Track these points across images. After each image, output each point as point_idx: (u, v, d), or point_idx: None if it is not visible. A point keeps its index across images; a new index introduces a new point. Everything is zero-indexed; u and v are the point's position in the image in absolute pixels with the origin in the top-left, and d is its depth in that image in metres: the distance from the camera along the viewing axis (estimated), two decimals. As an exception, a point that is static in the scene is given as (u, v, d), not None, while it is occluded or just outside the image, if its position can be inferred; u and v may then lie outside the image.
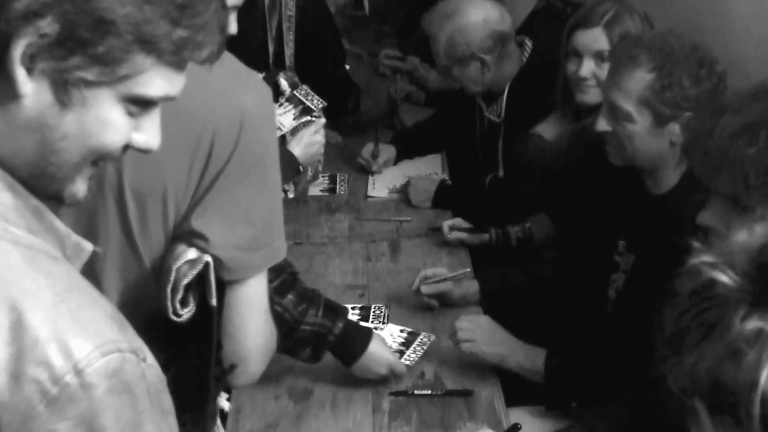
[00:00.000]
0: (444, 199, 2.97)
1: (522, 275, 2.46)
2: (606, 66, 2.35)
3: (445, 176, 3.13)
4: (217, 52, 1.03)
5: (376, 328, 2.25)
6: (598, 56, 2.43)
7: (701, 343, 0.82)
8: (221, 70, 1.11)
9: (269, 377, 2.11)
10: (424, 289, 2.37)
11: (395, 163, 3.25)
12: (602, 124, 2.06)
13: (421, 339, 2.25)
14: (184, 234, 1.29)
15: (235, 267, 1.31)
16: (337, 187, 3.14)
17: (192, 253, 1.28)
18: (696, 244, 0.88)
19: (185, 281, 1.27)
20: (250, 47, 2.77)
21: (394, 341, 2.24)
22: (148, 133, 1.04)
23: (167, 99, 1.03)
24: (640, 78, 1.95)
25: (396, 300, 2.47)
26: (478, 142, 3.07)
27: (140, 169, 1.24)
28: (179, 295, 1.27)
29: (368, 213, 2.97)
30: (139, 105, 1.01)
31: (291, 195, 2.62)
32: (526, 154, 2.62)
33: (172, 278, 1.27)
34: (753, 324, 0.78)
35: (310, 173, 2.84)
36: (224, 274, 1.31)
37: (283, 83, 2.57)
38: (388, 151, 3.24)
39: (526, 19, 3.27)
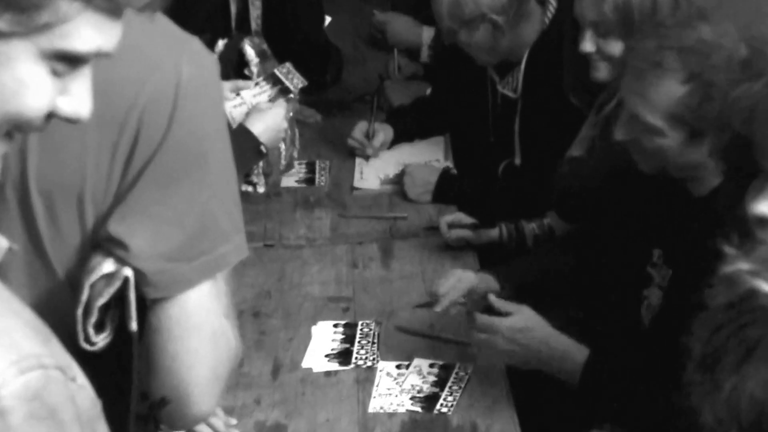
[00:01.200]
0: (447, 191, 2.96)
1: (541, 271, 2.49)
2: (610, 40, 2.36)
3: (449, 164, 3.13)
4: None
5: (369, 366, 2.27)
6: (596, 27, 2.40)
7: (742, 365, 0.83)
8: (151, 35, 1.12)
9: (230, 412, 2.11)
10: (453, 234, 2.68)
11: (390, 146, 3.23)
12: (621, 133, 2.04)
13: (457, 374, 2.21)
14: (102, 241, 1.27)
15: (161, 282, 1.28)
16: (317, 176, 3.11)
17: (108, 266, 1.25)
18: (730, 249, 0.89)
19: (100, 301, 1.24)
20: (207, 7, 2.74)
21: (424, 381, 2.20)
22: (76, 98, 1.02)
23: (100, 55, 1.01)
24: (670, 90, 1.92)
25: (388, 315, 2.45)
26: (490, 122, 3.05)
27: (49, 160, 1.22)
28: (93, 318, 1.25)
29: (355, 209, 2.96)
30: (66, 62, 1.00)
31: (261, 189, 2.58)
32: (568, 184, 2.57)
33: (84, 297, 1.25)
34: None
35: (283, 161, 2.80)
36: (148, 291, 1.28)
37: (249, 51, 2.54)
38: (384, 132, 3.22)
39: None
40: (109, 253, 1.26)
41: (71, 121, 1.04)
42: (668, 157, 1.98)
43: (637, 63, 1.99)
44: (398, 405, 2.12)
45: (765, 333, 0.82)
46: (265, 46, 2.65)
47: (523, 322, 2.15)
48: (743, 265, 0.86)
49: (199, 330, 1.33)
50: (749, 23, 2.06)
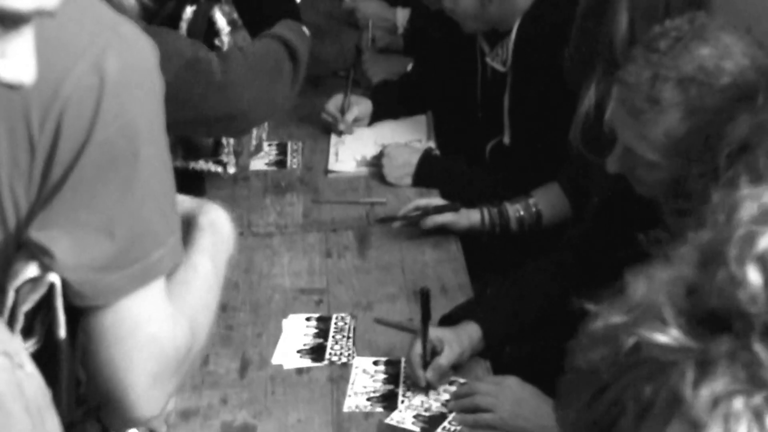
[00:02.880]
0: (429, 174, 2.97)
1: (533, 300, 2.40)
2: None
3: (431, 144, 3.14)
4: None
5: (344, 362, 2.28)
6: None
7: (640, 424, 0.81)
8: (74, 18, 1.09)
9: (195, 412, 2.13)
10: (428, 222, 2.66)
11: (370, 123, 3.25)
12: (615, 166, 2.01)
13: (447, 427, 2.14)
14: (25, 244, 1.25)
15: (88, 292, 1.27)
16: (288, 159, 3.13)
17: (33, 270, 1.24)
18: (591, 306, 0.88)
19: (25, 307, 1.24)
20: None
21: (436, 399, 2.18)
22: (16, 62, 0.99)
23: (42, 14, 0.98)
24: (672, 128, 1.87)
25: (364, 308, 2.47)
26: (478, 97, 3.06)
27: None
28: (19, 324, 1.24)
29: (329, 193, 2.97)
30: (3, 23, 0.96)
31: (231, 169, 2.59)
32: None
33: (9, 302, 1.23)
34: (708, 390, 0.78)
35: (253, 140, 2.81)
36: (77, 301, 1.27)
37: (220, 20, 2.53)
38: (362, 106, 3.24)
39: None
40: (33, 257, 1.24)
41: (12, 87, 1.01)
42: (667, 185, 1.94)
43: (631, 99, 1.91)
44: (398, 422, 2.11)
45: (659, 386, 0.80)
46: (235, 15, 2.64)
47: (509, 403, 2.11)
48: (615, 319, 0.85)
49: (134, 335, 1.32)
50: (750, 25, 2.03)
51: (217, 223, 1.59)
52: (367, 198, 2.94)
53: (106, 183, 1.24)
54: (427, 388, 2.18)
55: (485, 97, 3.03)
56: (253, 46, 2.27)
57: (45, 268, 1.24)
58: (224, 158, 2.65)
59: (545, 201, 2.73)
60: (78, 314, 1.29)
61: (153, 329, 1.34)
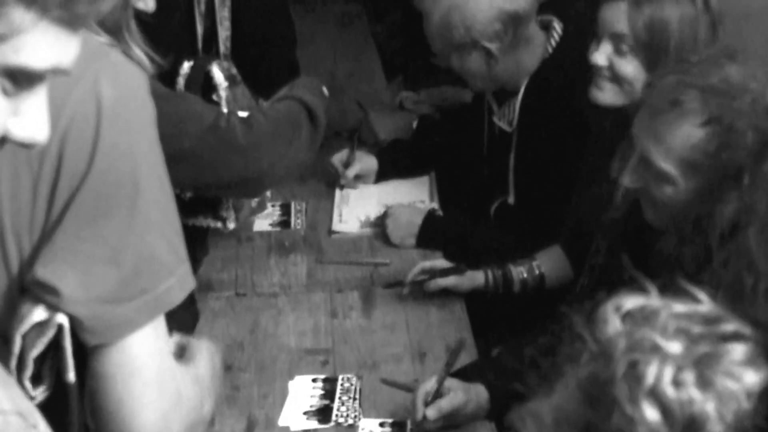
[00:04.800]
0: (433, 235, 2.98)
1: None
2: (628, 60, 2.36)
3: (435, 205, 3.15)
4: (120, 7, 1.00)
5: (350, 424, 2.29)
6: (617, 41, 2.39)
7: None
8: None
9: None
10: (431, 286, 2.64)
11: (376, 181, 3.28)
12: (630, 180, 2.03)
13: None
14: (30, 286, 1.23)
15: (99, 327, 1.26)
16: (292, 219, 3.14)
17: (40, 314, 1.22)
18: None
19: (34, 352, 1.22)
20: (171, 26, 2.75)
21: None
22: (30, 120, 1.00)
23: (57, 72, 0.99)
24: (688, 133, 1.89)
25: (370, 368, 2.48)
26: (484, 156, 3.09)
27: None
28: (29, 371, 1.23)
29: (333, 254, 2.98)
30: (18, 80, 0.97)
31: (231, 224, 2.61)
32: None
33: (16, 349, 1.22)
34: None
35: (254, 201, 2.83)
36: (87, 338, 1.26)
37: (218, 75, 2.56)
38: (366, 162, 3.26)
39: None
40: (38, 299, 1.22)
41: (25, 146, 1.02)
42: (678, 208, 1.96)
43: (654, 100, 1.96)
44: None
45: None
46: (234, 71, 2.64)
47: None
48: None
49: (146, 373, 1.31)
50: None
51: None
52: (371, 259, 2.95)
53: (108, 212, 1.23)
54: (418, 426, 2.20)
55: (491, 156, 3.05)
56: (274, 110, 2.30)
57: (52, 309, 1.22)
58: (224, 213, 2.63)
59: (548, 264, 2.73)
60: (85, 358, 1.28)
61: (161, 366, 1.33)
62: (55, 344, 1.24)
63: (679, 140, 1.90)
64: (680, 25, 2.32)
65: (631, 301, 1.02)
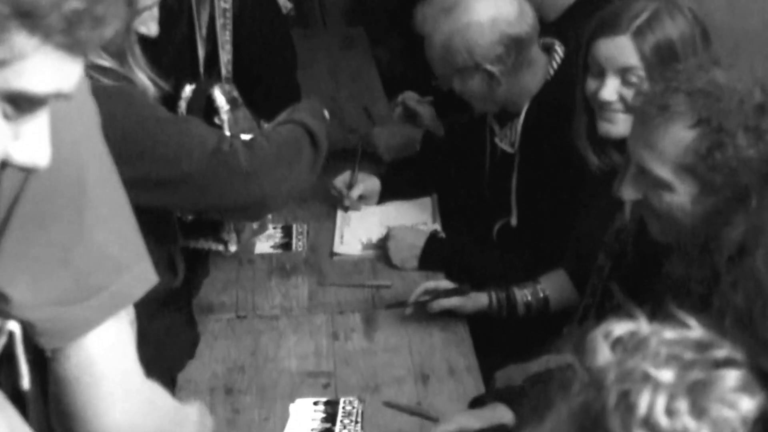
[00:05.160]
0: (435, 256, 2.98)
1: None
2: (636, 87, 2.36)
3: (437, 227, 3.15)
4: (122, 32, 1.01)
5: None
6: (625, 74, 2.40)
7: None
8: None
9: None
10: (435, 306, 2.64)
11: (379, 202, 3.28)
12: (629, 192, 2.03)
13: None
14: None
15: (54, 330, 1.26)
16: (293, 241, 3.15)
17: None
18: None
19: None
20: (173, 49, 2.76)
21: None
22: (32, 145, 1.01)
23: (59, 96, 1.00)
24: (678, 136, 1.90)
25: (372, 391, 2.47)
26: (485, 178, 3.09)
27: None
28: None
29: (334, 276, 2.98)
30: (19, 104, 0.98)
31: (233, 247, 2.60)
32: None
33: None
34: None
35: (255, 223, 2.83)
36: (43, 342, 1.26)
37: (220, 98, 2.57)
38: (369, 184, 3.27)
39: (565, 11, 3.28)
40: None
41: (27, 171, 1.04)
42: (679, 219, 1.95)
43: (644, 107, 1.99)
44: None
45: None
46: (235, 93, 2.66)
47: None
48: None
49: (106, 373, 1.31)
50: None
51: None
52: (373, 281, 2.94)
53: (55, 214, 1.23)
54: None
55: (493, 178, 3.05)
56: (276, 133, 2.30)
57: (3, 317, 1.22)
58: (225, 236, 2.64)
59: (553, 287, 2.72)
60: (46, 364, 1.27)
61: (128, 365, 1.33)
62: (8, 352, 1.24)
63: (670, 144, 1.91)
64: (682, 40, 2.35)
65: (620, 328, 1.01)
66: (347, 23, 4.93)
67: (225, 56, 2.94)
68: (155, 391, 1.39)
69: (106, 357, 1.31)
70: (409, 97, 3.69)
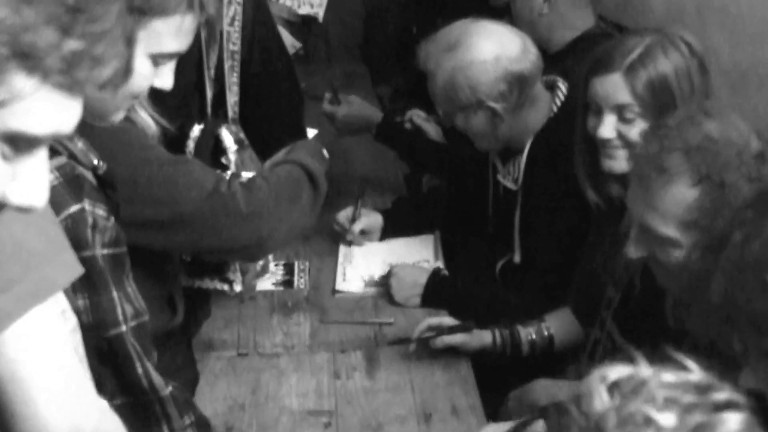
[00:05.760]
0: (437, 294, 2.97)
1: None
2: (637, 125, 2.37)
3: (440, 264, 3.14)
4: (122, 72, 0.99)
5: None
6: (621, 111, 2.40)
7: None
8: None
9: None
10: (438, 343, 2.63)
11: (382, 238, 3.29)
12: (635, 250, 2.03)
13: None
14: None
15: None
16: (295, 279, 3.14)
17: None
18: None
19: None
20: (181, 88, 2.77)
21: None
22: (29, 185, 1.00)
23: (57, 137, 1.00)
24: (680, 196, 1.90)
25: (374, 430, 2.46)
26: (489, 214, 3.09)
27: None
28: None
29: (336, 314, 2.97)
30: (18, 145, 0.98)
31: (237, 287, 2.60)
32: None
33: None
34: None
35: (258, 264, 2.83)
36: None
37: (227, 138, 2.58)
38: (371, 219, 3.28)
39: (566, 48, 3.29)
40: None
41: (23, 211, 1.03)
42: (691, 270, 1.91)
43: (642, 170, 1.97)
44: None
45: None
46: (242, 135, 2.68)
47: None
48: None
49: (45, 364, 1.30)
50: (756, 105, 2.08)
51: None
52: (375, 318, 2.94)
53: None
54: None
55: (496, 215, 3.06)
56: (275, 174, 2.30)
57: None
58: (230, 276, 2.66)
59: (558, 325, 2.71)
60: None
61: (63, 357, 1.33)
62: None
63: (674, 205, 1.91)
64: (677, 76, 2.35)
65: (616, 372, 1.00)
66: (351, 60, 4.95)
67: (232, 98, 2.96)
68: (104, 411, 1.39)
69: (38, 348, 1.31)
70: (416, 114, 3.71)
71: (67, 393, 1.36)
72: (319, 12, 4.09)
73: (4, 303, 1.27)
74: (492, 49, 2.78)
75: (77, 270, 1.37)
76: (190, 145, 2.50)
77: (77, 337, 1.45)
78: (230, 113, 2.97)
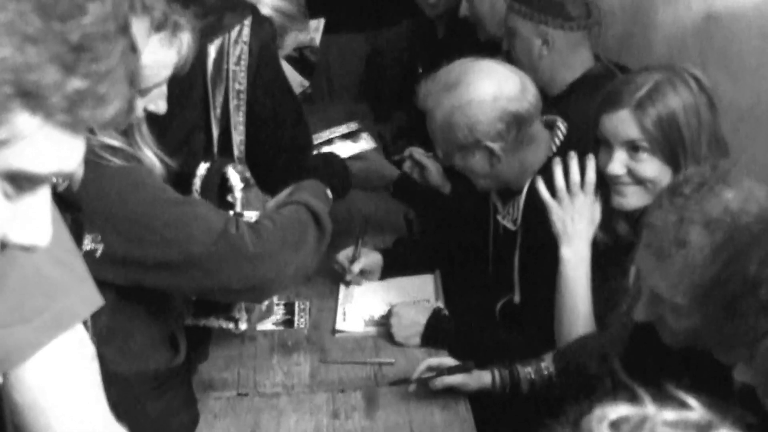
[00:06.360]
0: (438, 334, 2.97)
1: None
2: (646, 160, 2.37)
3: (440, 304, 3.14)
4: (125, 111, 1.00)
5: None
6: (630, 147, 2.43)
7: None
8: None
9: None
10: (437, 383, 2.62)
11: (382, 277, 3.30)
12: (644, 315, 2.01)
13: None
14: None
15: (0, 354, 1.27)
16: (296, 318, 3.15)
17: None
18: None
19: None
20: (186, 126, 2.78)
21: None
22: (31, 225, 1.00)
23: (59, 175, 1.00)
24: (694, 269, 1.87)
25: (374, 471, 2.46)
26: (489, 255, 3.09)
27: None
28: None
29: (336, 353, 2.98)
30: (20, 183, 0.98)
31: (243, 325, 2.60)
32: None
33: None
34: None
35: (264, 306, 2.83)
36: None
37: (234, 177, 2.59)
38: (371, 259, 3.30)
39: (568, 87, 3.30)
40: None
41: (25, 250, 1.03)
42: (701, 334, 1.89)
43: (659, 242, 1.92)
44: None
45: None
46: (248, 174, 2.69)
47: None
48: None
49: (66, 393, 1.32)
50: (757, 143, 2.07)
51: None
52: (375, 358, 2.94)
53: None
54: None
55: (496, 255, 3.06)
56: (282, 215, 2.31)
57: None
58: (236, 314, 2.65)
59: (558, 365, 2.68)
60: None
61: (83, 394, 1.35)
62: None
63: (688, 276, 1.87)
64: (685, 112, 2.37)
65: (615, 411, 1.00)
66: (352, 99, 4.98)
67: (237, 137, 2.96)
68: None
69: (60, 378, 1.33)
70: (416, 151, 3.72)
71: (87, 421, 1.37)
72: (316, 37, 4.11)
73: (29, 333, 1.29)
74: (490, 88, 2.79)
75: (98, 301, 1.39)
76: (197, 183, 2.51)
77: (95, 365, 1.47)
78: (236, 152, 2.97)
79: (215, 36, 2.78)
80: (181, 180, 2.39)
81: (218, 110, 2.87)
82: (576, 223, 2.64)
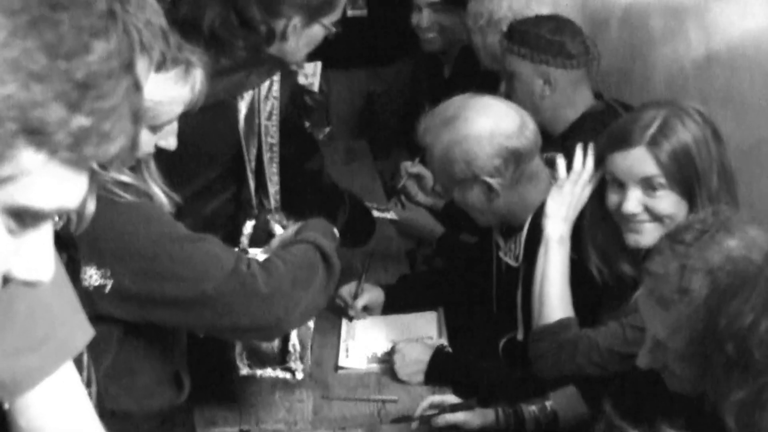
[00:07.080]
0: (441, 371, 2.97)
1: None
2: (663, 196, 2.39)
3: (443, 341, 3.14)
4: (129, 148, 1.00)
5: None
6: (647, 183, 2.44)
7: None
8: None
9: None
10: (440, 421, 2.60)
11: (383, 312, 3.30)
12: (647, 363, 2.01)
13: None
14: None
15: (9, 381, 1.29)
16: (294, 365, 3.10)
17: None
18: None
19: None
20: (218, 172, 2.83)
21: None
22: (34, 260, 1.01)
23: (62, 211, 1.01)
24: (697, 317, 1.85)
25: None
26: (493, 292, 3.10)
27: None
28: None
29: (339, 390, 2.97)
30: (23, 219, 0.98)
31: (300, 375, 2.61)
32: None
33: None
34: None
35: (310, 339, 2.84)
36: (2, 395, 1.29)
37: (278, 229, 2.61)
38: (373, 294, 3.30)
39: (571, 125, 3.32)
40: None
41: (28, 285, 1.03)
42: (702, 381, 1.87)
43: (661, 291, 1.92)
44: None
45: None
46: (285, 222, 2.71)
47: None
48: None
49: (70, 419, 1.34)
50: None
51: None
52: (378, 395, 2.93)
53: None
54: None
55: (499, 292, 3.06)
56: (291, 255, 2.31)
57: None
58: (292, 365, 2.64)
59: (562, 404, 2.69)
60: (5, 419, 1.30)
61: (84, 417, 1.36)
62: None
63: (689, 325, 1.87)
64: (696, 145, 2.40)
65: None
66: (351, 137, 4.99)
67: (272, 188, 2.98)
68: None
69: (64, 408, 1.35)
70: (405, 164, 3.78)
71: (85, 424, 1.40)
72: (314, 82, 4.12)
73: (36, 360, 1.32)
74: (488, 124, 2.81)
75: (90, 331, 1.42)
76: (244, 241, 2.58)
77: (89, 391, 1.50)
78: (272, 203, 3.00)
79: (245, 91, 2.81)
80: (229, 237, 2.40)
81: (253, 164, 2.91)
82: (569, 209, 2.68)
